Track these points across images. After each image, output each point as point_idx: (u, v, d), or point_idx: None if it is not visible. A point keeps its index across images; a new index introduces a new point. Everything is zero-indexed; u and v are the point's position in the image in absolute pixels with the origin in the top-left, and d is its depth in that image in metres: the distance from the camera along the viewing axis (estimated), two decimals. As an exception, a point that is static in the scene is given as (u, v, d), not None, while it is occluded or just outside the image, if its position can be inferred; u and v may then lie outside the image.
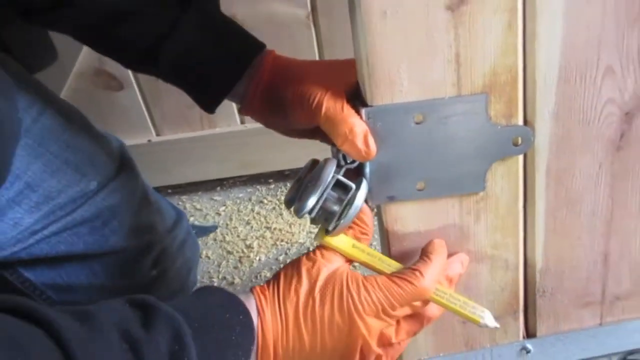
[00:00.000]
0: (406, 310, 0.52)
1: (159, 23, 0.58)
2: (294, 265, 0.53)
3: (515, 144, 0.54)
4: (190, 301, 0.49)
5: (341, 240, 0.55)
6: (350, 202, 0.53)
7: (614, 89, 0.54)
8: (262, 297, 0.50)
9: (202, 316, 0.47)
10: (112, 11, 0.59)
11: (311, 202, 0.52)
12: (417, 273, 0.52)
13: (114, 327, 0.41)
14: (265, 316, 0.49)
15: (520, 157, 0.57)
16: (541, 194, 0.59)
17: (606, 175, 0.59)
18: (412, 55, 0.49)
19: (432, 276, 0.52)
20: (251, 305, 0.50)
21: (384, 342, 0.52)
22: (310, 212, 0.53)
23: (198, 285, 0.98)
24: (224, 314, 0.48)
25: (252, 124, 1.14)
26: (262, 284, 0.53)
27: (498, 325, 0.56)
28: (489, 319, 0.54)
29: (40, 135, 0.63)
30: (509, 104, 0.53)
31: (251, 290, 0.52)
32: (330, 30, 1.04)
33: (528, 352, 0.70)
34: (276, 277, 0.52)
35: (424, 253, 0.56)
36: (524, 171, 0.58)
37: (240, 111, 0.61)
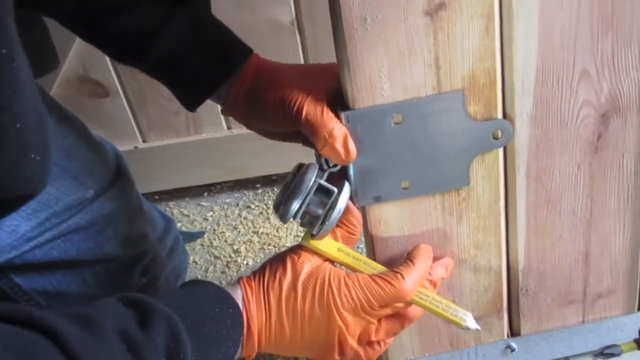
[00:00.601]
0: (387, 311, 0.53)
1: (151, 17, 0.58)
2: (279, 258, 0.54)
3: (496, 137, 0.55)
4: (182, 297, 0.50)
5: (326, 244, 0.55)
6: (333, 205, 0.54)
7: (590, 92, 0.55)
8: (248, 288, 0.52)
9: (194, 312, 0.48)
10: (106, 1, 0.59)
11: (294, 207, 0.53)
12: (399, 276, 0.53)
13: (114, 329, 0.41)
14: (251, 306, 0.51)
15: (501, 158, 0.58)
16: (521, 194, 0.60)
17: (585, 175, 0.60)
18: (393, 59, 0.50)
19: (413, 279, 0.53)
20: (238, 297, 0.51)
21: (364, 340, 0.53)
22: (294, 217, 0.54)
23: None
24: (214, 308, 0.49)
25: (239, 130, 1.14)
26: (249, 275, 0.54)
27: (479, 328, 0.57)
28: (470, 322, 0.56)
29: None
30: (488, 105, 0.54)
31: (238, 280, 0.53)
32: (315, 35, 1.05)
33: (512, 350, 0.71)
34: (262, 268, 0.54)
35: (409, 257, 0.57)
36: (504, 172, 0.59)
37: (222, 112, 0.62)
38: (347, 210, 0.55)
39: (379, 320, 0.54)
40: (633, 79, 0.55)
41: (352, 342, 0.52)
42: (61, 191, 0.66)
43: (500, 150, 0.57)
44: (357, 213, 0.56)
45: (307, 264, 0.53)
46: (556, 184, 0.60)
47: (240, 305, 0.51)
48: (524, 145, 0.57)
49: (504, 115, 0.56)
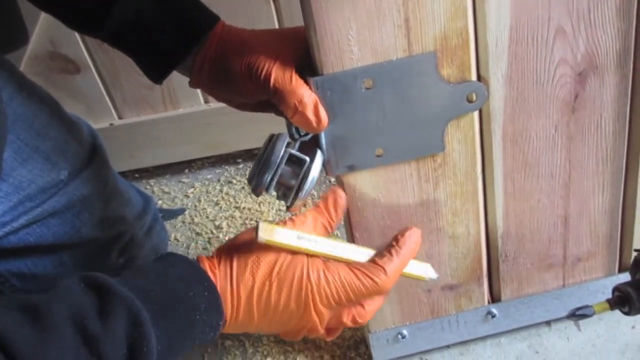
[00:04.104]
0: (362, 300, 0.52)
1: None
2: (248, 245, 0.50)
3: (470, 101, 0.53)
4: (151, 278, 0.46)
5: (283, 235, 0.49)
6: (306, 175, 0.52)
7: (566, 50, 0.54)
8: (212, 274, 0.48)
9: (163, 296, 0.45)
10: None
11: (265, 179, 0.52)
12: (381, 271, 0.51)
13: (68, 320, 0.39)
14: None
15: (476, 122, 0.56)
16: (498, 158, 0.59)
17: (562, 137, 0.59)
18: (361, 20, 0.48)
19: (394, 274, 0.52)
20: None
21: (333, 324, 0.52)
22: (267, 190, 0.53)
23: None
24: (187, 291, 0.46)
25: (216, 104, 1.11)
26: (210, 256, 0.50)
27: (438, 275, 0.58)
28: (430, 272, 0.57)
29: (10, 121, 0.61)
30: (461, 67, 0.52)
31: (198, 259, 0.49)
32: (290, 4, 1.02)
33: (493, 316, 0.70)
34: (228, 253, 0.50)
35: (395, 243, 0.55)
36: (480, 136, 0.58)
37: (189, 84, 0.59)
38: (332, 194, 0.53)
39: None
40: (610, 35, 0.54)
41: (322, 329, 0.51)
42: (34, 173, 0.64)
43: (476, 114, 0.56)
44: (342, 202, 0.54)
45: (282, 253, 0.50)
46: (533, 146, 0.59)
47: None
48: (499, 107, 0.56)
49: (478, 77, 0.54)
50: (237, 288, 0.48)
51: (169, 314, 0.44)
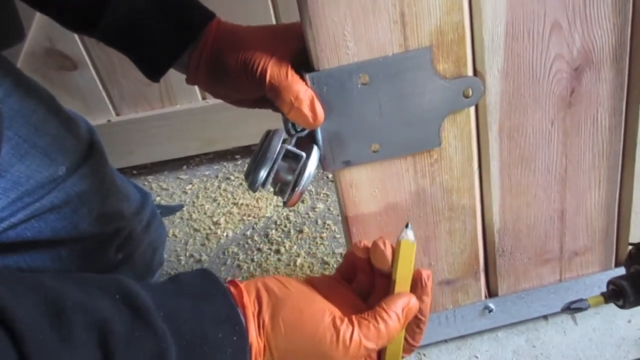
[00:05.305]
0: None
1: None
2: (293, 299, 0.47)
3: (466, 96, 0.53)
4: (188, 309, 0.44)
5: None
6: (302, 170, 0.52)
7: (562, 45, 0.54)
8: (245, 318, 0.46)
9: (193, 331, 0.43)
10: None
11: (262, 175, 0.52)
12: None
13: (92, 332, 0.38)
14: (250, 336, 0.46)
15: (473, 117, 0.56)
16: (495, 153, 0.59)
17: (558, 131, 0.59)
18: (356, 15, 0.48)
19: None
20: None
21: None
22: (263, 185, 0.53)
23: (165, 264, 0.97)
24: (217, 332, 0.44)
25: (214, 100, 1.11)
26: (244, 298, 0.47)
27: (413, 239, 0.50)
28: (410, 234, 0.50)
29: (8, 118, 0.61)
30: (457, 62, 0.52)
31: (234, 297, 0.47)
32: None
33: (490, 311, 0.71)
34: (259, 300, 0.47)
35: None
36: (476, 131, 0.58)
37: (186, 81, 0.59)
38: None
39: None
40: (605, 30, 0.54)
41: None
42: (32, 168, 0.64)
43: (472, 109, 0.56)
44: (428, 300, 0.49)
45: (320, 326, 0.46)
46: (530, 141, 0.59)
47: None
48: (495, 102, 0.56)
49: (474, 72, 0.54)
50: (268, 342, 0.46)
51: (194, 350, 0.43)
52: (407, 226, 0.49)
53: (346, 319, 0.46)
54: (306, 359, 0.46)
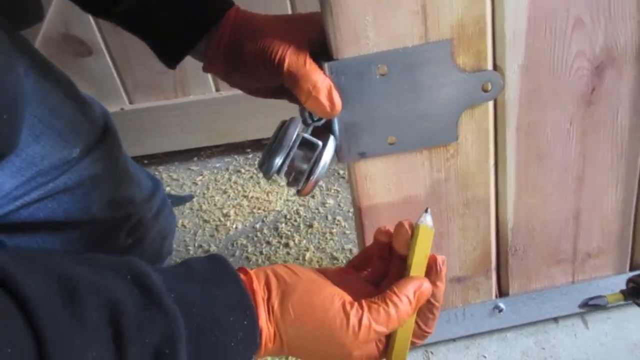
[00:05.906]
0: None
1: None
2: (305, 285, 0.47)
3: (485, 90, 0.53)
4: (198, 292, 0.44)
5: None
6: (318, 159, 0.52)
7: (584, 42, 0.53)
8: (256, 304, 0.45)
9: (204, 315, 0.43)
10: None
11: (277, 162, 0.51)
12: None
13: (105, 309, 0.38)
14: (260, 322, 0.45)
15: (491, 112, 0.56)
16: (512, 150, 0.58)
17: (577, 130, 0.58)
18: (378, 5, 0.48)
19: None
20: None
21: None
22: (278, 173, 0.52)
23: (173, 254, 0.97)
24: (228, 316, 0.44)
25: (227, 92, 1.11)
26: (254, 284, 0.47)
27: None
28: (428, 219, 0.48)
29: (25, 97, 0.61)
30: (478, 56, 0.51)
31: (244, 284, 0.46)
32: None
33: (500, 310, 0.70)
34: (279, 285, 0.47)
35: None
36: (494, 127, 0.57)
37: (203, 69, 0.59)
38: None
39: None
40: (629, 28, 0.53)
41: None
42: (46, 149, 0.64)
43: (490, 104, 0.55)
44: (442, 286, 0.48)
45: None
46: (547, 139, 0.58)
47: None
48: (514, 98, 0.55)
49: (494, 66, 0.53)
50: (277, 328, 0.46)
51: (205, 333, 0.43)
52: (426, 211, 0.48)
53: (356, 304, 0.45)
54: (316, 344, 0.46)
